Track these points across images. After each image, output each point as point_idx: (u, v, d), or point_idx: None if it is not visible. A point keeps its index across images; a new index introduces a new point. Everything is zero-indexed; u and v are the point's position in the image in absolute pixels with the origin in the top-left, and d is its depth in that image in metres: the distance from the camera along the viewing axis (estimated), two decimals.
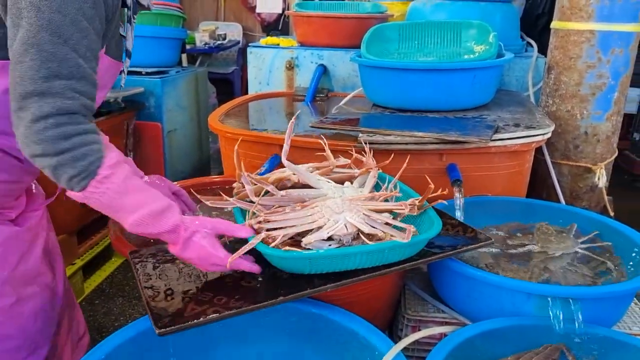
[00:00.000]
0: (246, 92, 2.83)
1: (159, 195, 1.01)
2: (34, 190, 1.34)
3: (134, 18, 1.16)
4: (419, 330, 1.28)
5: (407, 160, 1.27)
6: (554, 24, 2.07)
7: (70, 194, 0.94)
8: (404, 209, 1.07)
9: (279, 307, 1.02)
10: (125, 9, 1.10)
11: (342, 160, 1.32)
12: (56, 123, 0.88)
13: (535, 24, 3.00)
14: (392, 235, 1.03)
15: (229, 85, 5.24)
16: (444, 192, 1.13)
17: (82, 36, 0.90)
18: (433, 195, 1.13)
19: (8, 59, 0.91)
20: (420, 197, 1.14)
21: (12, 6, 0.88)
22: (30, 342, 1.27)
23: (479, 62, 1.89)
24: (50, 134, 0.88)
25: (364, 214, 1.08)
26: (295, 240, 1.07)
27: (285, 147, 1.12)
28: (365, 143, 1.31)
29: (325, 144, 1.28)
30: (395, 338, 1.39)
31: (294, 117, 1.06)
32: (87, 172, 0.91)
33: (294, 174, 1.20)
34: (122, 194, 0.94)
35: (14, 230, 1.21)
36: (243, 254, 1.01)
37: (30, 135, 0.88)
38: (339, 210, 1.06)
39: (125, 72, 1.23)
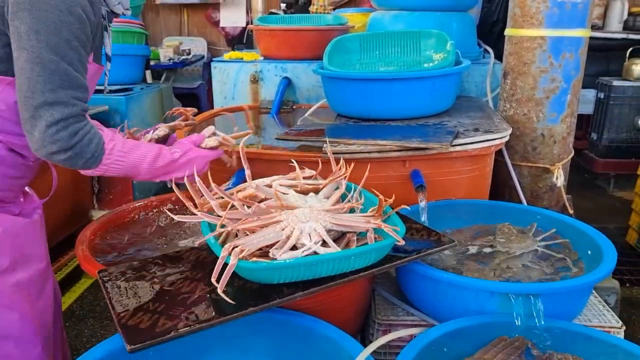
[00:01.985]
0: (213, 106, 2.84)
1: (148, 144, 1.31)
2: (28, 191, 1.43)
3: (109, 26, 1.33)
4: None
5: (368, 169, 1.30)
6: (508, 31, 2.14)
7: (88, 172, 1.19)
8: (369, 224, 1.10)
9: (250, 317, 1.04)
10: (102, 20, 1.27)
11: (307, 172, 1.35)
12: (66, 125, 1.10)
13: (491, 31, 3.10)
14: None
15: (196, 99, 5.22)
16: (391, 201, 1.17)
17: (75, 53, 1.11)
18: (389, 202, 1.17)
19: (13, 76, 1.10)
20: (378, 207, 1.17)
21: (14, 32, 1.06)
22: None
23: (437, 71, 1.95)
24: (63, 135, 1.10)
25: (330, 222, 1.10)
26: (263, 251, 1.09)
27: (248, 172, 1.23)
28: (331, 153, 1.34)
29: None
30: (367, 343, 1.42)
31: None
32: (97, 151, 1.16)
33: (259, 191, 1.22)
34: (127, 153, 1.22)
35: (25, 221, 1.32)
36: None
37: (46, 138, 1.08)
38: (305, 219, 1.09)
39: (107, 74, 1.42)
